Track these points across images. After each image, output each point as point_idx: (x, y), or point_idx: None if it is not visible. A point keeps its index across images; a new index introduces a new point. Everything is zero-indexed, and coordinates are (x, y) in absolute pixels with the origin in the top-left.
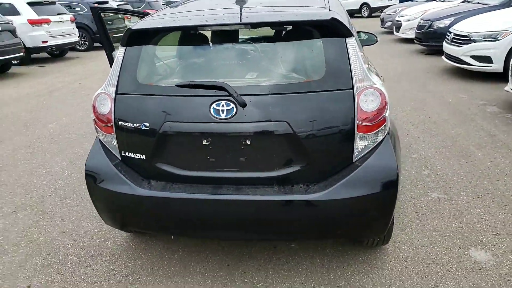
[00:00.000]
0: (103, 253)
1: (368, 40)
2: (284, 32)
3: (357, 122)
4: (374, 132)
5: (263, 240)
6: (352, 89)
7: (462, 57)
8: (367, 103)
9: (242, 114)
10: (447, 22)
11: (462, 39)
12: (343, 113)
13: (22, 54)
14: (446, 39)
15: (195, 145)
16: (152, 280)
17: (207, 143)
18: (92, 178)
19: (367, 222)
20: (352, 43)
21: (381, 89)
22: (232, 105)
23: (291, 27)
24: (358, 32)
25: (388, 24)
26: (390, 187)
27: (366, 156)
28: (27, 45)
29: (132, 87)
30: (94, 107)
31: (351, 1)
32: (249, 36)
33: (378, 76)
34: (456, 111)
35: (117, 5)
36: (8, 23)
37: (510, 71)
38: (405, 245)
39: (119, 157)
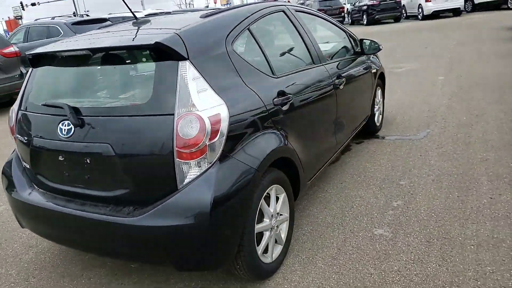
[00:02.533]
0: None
1: (371, 49)
2: (123, 55)
3: (176, 148)
4: (195, 160)
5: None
6: (173, 114)
7: None
8: (186, 130)
9: (77, 134)
10: None
11: None
12: (163, 138)
13: None
14: None
15: (55, 160)
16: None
17: (62, 159)
18: (3, 180)
19: (184, 252)
20: (184, 67)
21: (202, 116)
22: (71, 125)
23: (126, 51)
24: (361, 40)
25: None
26: (200, 219)
27: (189, 184)
28: None
29: (25, 105)
30: (8, 119)
31: None
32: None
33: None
34: None
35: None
36: None
37: None
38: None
39: (23, 165)
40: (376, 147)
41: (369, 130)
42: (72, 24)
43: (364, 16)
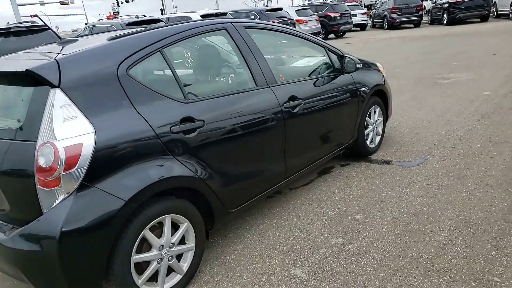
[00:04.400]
0: None
1: (349, 67)
2: (13, 80)
3: (36, 175)
4: (54, 188)
5: None
6: (36, 141)
7: None
8: (42, 159)
9: None
10: None
11: None
12: (28, 164)
13: None
14: None
15: None
16: None
17: None
18: None
19: (41, 277)
20: (54, 94)
21: (57, 146)
22: None
23: (14, 75)
24: (341, 57)
25: None
26: (49, 248)
27: (50, 211)
28: None
29: None
30: None
31: None
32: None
33: None
34: None
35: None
36: None
37: None
38: None
39: None
40: (358, 171)
41: (358, 153)
42: (126, 25)
43: (445, 15)
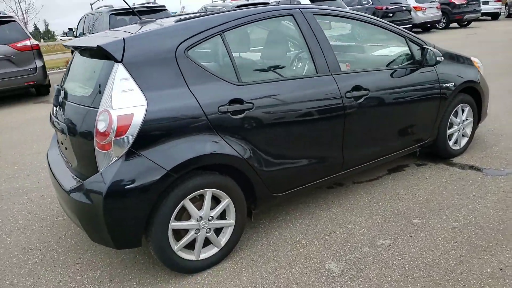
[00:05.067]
0: None
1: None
2: (92, 53)
3: (95, 138)
4: (106, 151)
5: None
6: (97, 108)
7: None
8: (100, 124)
9: (60, 114)
10: None
11: None
12: (91, 128)
13: None
14: None
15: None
16: None
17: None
18: None
19: (91, 226)
20: (116, 68)
21: (111, 114)
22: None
23: (91, 50)
24: (423, 48)
25: None
26: (97, 202)
27: (103, 171)
28: None
29: None
30: None
31: None
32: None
33: None
34: None
35: (237, 6)
36: None
37: None
38: None
39: None
40: (433, 173)
41: (438, 154)
42: (235, 7)
43: None
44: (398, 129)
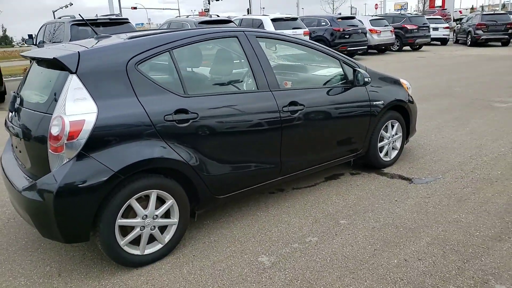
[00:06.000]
0: None
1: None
2: (50, 64)
3: (48, 141)
4: (59, 153)
5: None
6: (51, 114)
7: None
8: (54, 128)
9: (15, 121)
10: None
11: None
12: (45, 132)
13: None
14: None
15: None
16: None
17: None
18: None
19: (42, 222)
20: (70, 79)
21: (64, 120)
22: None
23: (48, 61)
24: (354, 70)
25: None
26: (48, 199)
27: (54, 171)
28: None
29: None
30: None
31: None
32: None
33: None
34: None
35: (272, 19)
36: None
37: None
38: None
39: None
40: (364, 181)
41: (371, 164)
42: (198, 23)
43: None
44: (332, 140)
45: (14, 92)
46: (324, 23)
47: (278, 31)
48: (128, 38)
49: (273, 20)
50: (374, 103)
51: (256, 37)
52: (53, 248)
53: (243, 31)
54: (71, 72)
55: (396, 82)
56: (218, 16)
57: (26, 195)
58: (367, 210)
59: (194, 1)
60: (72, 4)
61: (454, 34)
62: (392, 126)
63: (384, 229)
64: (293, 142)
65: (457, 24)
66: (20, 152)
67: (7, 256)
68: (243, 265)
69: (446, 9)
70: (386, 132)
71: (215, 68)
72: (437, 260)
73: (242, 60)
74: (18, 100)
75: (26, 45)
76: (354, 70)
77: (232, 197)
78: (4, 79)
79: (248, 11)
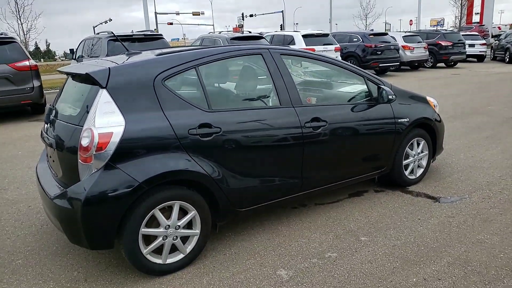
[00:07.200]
0: None
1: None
2: (82, 79)
3: (78, 152)
4: (88, 163)
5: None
6: (82, 126)
7: None
8: (84, 140)
9: (50, 132)
10: None
11: None
12: (75, 143)
13: None
14: None
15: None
16: None
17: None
18: None
19: (70, 228)
20: (101, 93)
21: (94, 132)
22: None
23: (80, 76)
24: (379, 87)
25: None
26: (76, 207)
27: (83, 180)
28: None
29: None
30: None
31: None
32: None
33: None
34: None
35: (303, 35)
36: None
37: None
38: None
39: None
40: (388, 199)
41: (395, 182)
42: (231, 39)
43: None
44: (354, 157)
45: (50, 104)
46: (355, 39)
47: (302, 49)
48: (157, 55)
49: (304, 36)
50: (399, 120)
51: (281, 54)
52: (81, 254)
53: (268, 49)
54: (102, 87)
55: (423, 100)
56: (250, 32)
57: (57, 202)
58: (389, 227)
59: (230, 17)
60: (111, 19)
61: (492, 50)
62: (418, 144)
63: (405, 247)
64: (315, 157)
65: (495, 40)
66: (53, 161)
67: (38, 260)
68: (261, 278)
69: (484, 25)
70: (412, 150)
71: (239, 84)
72: (457, 280)
73: (266, 77)
74: (53, 112)
75: (66, 59)
76: (379, 87)
77: (253, 210)
78: (44, 91)
79: (281, 27)
